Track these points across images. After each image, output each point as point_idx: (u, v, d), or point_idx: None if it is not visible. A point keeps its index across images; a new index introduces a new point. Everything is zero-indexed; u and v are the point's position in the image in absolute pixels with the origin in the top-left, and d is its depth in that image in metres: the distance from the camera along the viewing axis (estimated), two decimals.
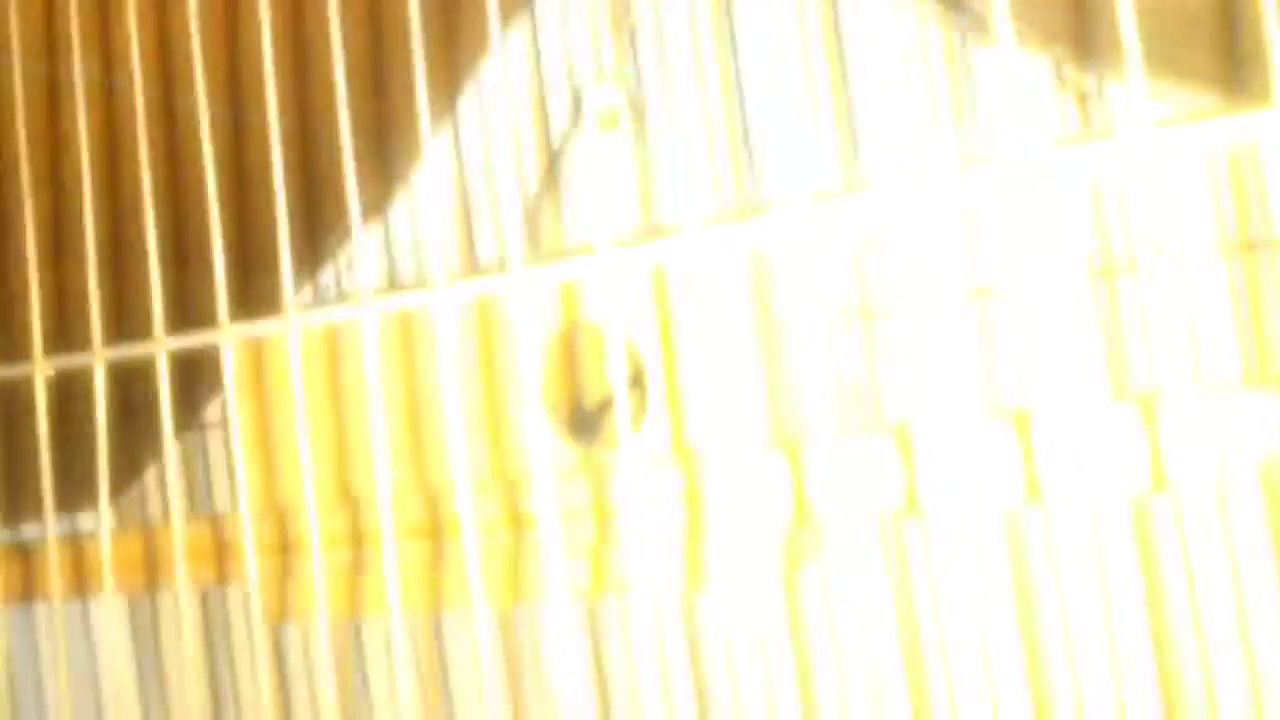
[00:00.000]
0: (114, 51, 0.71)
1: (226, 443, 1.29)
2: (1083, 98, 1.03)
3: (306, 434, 0.51)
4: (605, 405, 0.99)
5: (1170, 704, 1.01)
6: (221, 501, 1.32)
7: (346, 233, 1.22)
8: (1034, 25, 0.97)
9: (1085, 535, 1.02)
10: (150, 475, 1.35)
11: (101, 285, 0.54)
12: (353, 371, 0.90)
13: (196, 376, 1.22)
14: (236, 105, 0.78)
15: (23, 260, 0.55)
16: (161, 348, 0.51)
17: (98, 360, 0.52)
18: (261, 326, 0.50)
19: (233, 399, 0.51)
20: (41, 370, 0.53)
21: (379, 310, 0.48)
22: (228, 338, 0.50)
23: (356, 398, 0.89)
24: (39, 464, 0.54)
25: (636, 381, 1.00)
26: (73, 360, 0.53)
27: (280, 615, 0.90)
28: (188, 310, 0.63)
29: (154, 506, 1.36)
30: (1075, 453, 0.65)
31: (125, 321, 0.58)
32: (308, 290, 1.28)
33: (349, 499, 0.83)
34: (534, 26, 1.21)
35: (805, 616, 1.12)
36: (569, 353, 0.98)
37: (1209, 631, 0.98)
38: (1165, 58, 0.88)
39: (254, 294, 1.11)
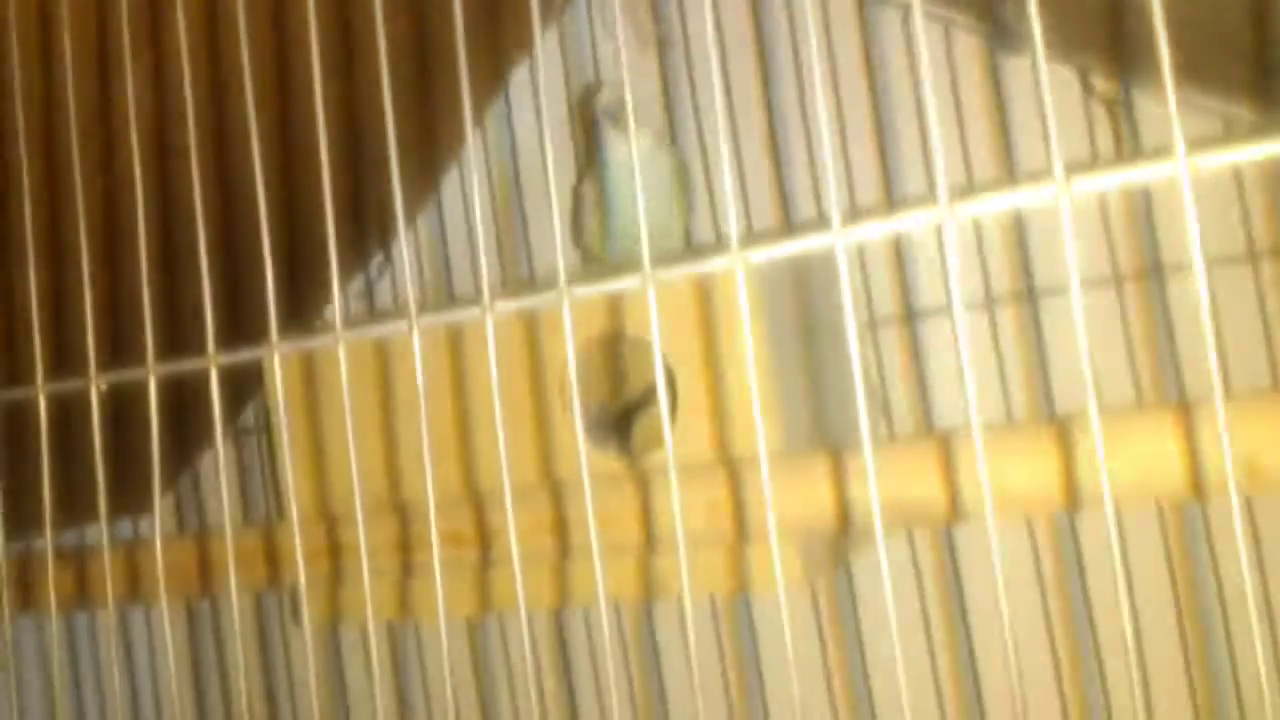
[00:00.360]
0: (162, 68, 0.71)
1: (263, 449, 1.31)
2: (1111, 105, 1.02)
3: (354, 443, 0.51)
4: (631, 410, 0.99)
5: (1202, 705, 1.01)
6: (259, 507, 1.34)
7: (389, 233, 1.23)
8: (1062, 34, 0.97)
9: (1120, 541, 1.01)
10: (185, 481, 1.37)
11: (152, 298, 0.54)
12: (399, 380, 0.91)
13: (241, 385, 1.23)
14: (283, 116, 0.78)
15: (77, 276, 0.56)
16: (213, 363, 0.51)
17: (151, 374, 0.52)
18: (310, 341, 0.51)
19: (283, 412, 0.51)
20: (96, 384, 0.54)
21: (424, 325, 0.49)
22: (276, 353, 0.50)
23: (403, 406, 0.90)
24: (76, 475, 0.55)
25: (664, 389, 1.01)
26: (125, 375, 0.53)
27: (329, 617, 0.91)
28: (236, 315, 0.64)
29: (189, 512, 1.37)
30: (1116, 458, 0.64)
31: (175, 329, 0.59)
32: (355, 283, 1.29)
33: (395, 506, 0.83)
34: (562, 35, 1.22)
35: (839, 619, 1.12)
36: (601, 359, 0.98)
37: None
38: (1199, 69, 0.87)
39: (299, 295, 1.12)
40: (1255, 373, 0.99)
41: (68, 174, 0.58)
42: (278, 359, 0.51)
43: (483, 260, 0.49)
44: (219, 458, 0.53)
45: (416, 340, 0.49)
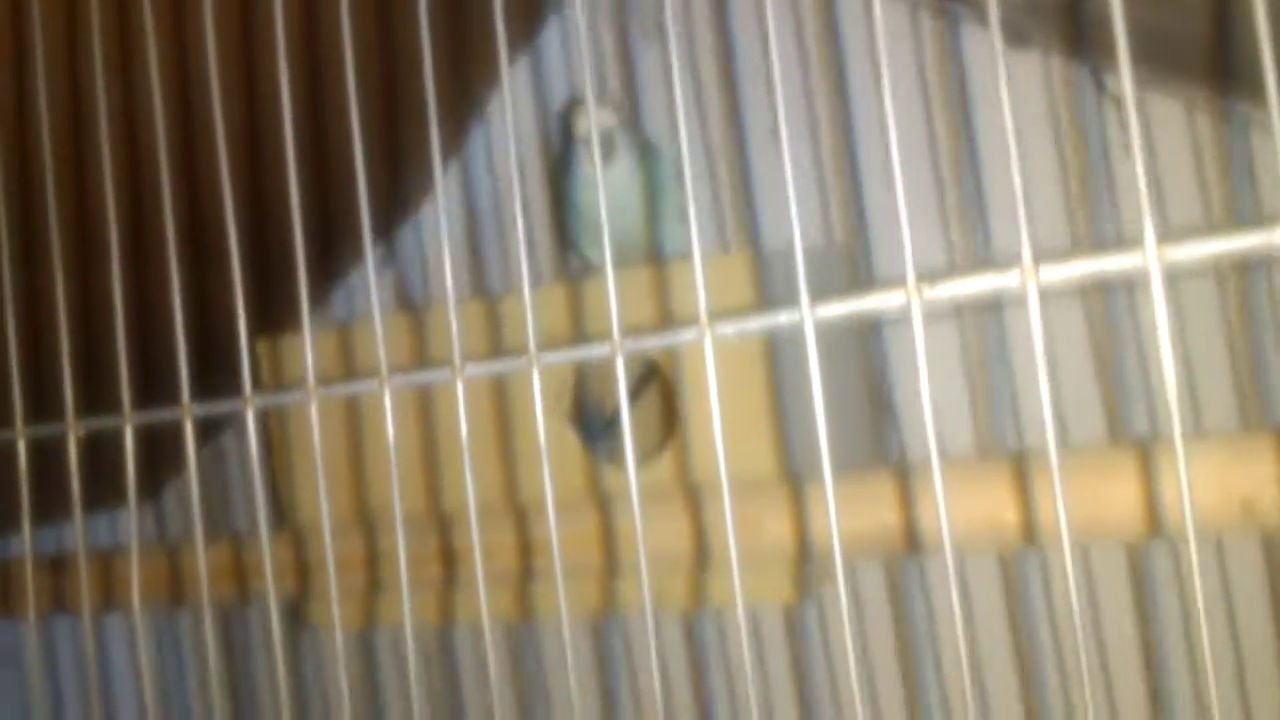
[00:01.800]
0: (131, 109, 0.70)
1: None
2: (1119, 104, 1.00)
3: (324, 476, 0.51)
4: (614, 419, 0.99)
5: None
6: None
7: (359, 255, 1.22)
8: (1056, 30, 0.95)
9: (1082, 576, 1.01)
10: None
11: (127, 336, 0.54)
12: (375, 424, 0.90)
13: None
14: (252, 143, 0.77)
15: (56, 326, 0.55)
16: (187, 415, 0.51)
17: (127, 423, 0.52)
18: (283, 398, 0.51)
19: (257, 460, 0.51)
20: (74, 431, 0.53)
21: (395, 385, 0.48)
22: (250, 408, 0.50)
23: (379, 441, 0.89)
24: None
25: (648, 386, 1.00)
26: (104, 422, 0.53)
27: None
28: (210, 333, 0.63)
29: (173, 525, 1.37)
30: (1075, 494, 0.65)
31: (149, 362, 0.58)
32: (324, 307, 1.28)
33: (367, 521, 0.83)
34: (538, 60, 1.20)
35: (807, 644, 1.12)
36: (589, 368, 0.98)
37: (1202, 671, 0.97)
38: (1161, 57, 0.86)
39: (273, 314, 1.10)
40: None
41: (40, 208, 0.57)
42: (251, 413, 0.50)
43: (454, 323, 0.48)
44: (195, 506, 0.53)
45: (388, 398, 0.49)
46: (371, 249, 0.52)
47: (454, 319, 0.49)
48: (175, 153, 0.56)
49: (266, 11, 0.48)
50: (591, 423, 0.99)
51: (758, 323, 0.45)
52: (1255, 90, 0.89)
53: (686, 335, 0.45)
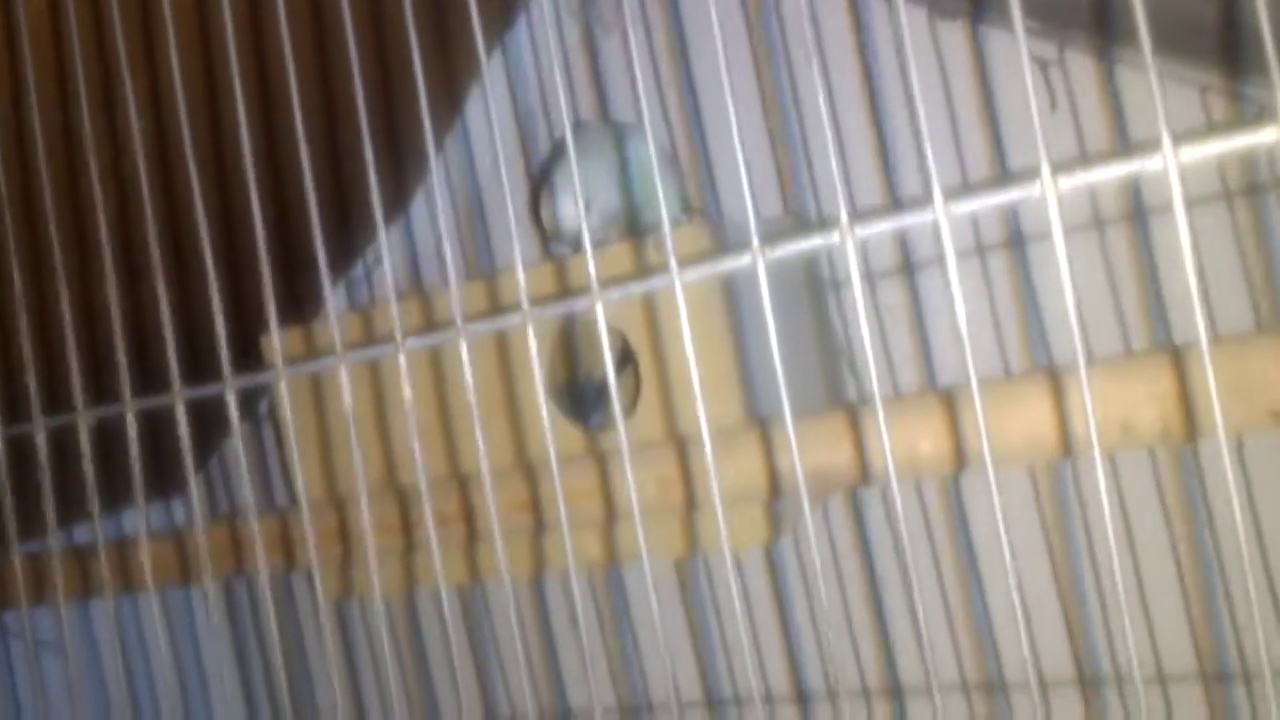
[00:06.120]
0: (160, 94, 0.72)
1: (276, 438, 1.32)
2: (1044, 66, 1.02)
3: (356, 440, 0.53)
4: (603, 387, 1.01)
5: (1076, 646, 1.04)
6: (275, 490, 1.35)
7: (371, 235, 1.25)
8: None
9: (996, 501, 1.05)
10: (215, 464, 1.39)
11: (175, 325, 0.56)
12: (389, 384, 0.92)
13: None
14: (270, 130, 0.79)
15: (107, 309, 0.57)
16: (229, 387, 0.53)
17: (177, 400, 0.54)
18: (314, 365, 0.53)
19: (292, 429, 0.53)
20: (130, 409, 0.56)
21: (410, 347, 0.51)
22: (282, 378, 0.52)
23: (395, 405, 0.92)
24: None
25: (626, 367, 1.02)
26: (156, 401, 0.55)
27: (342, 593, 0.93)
28: (243, 316, 0.64)
29: (219, 494, 1.39)
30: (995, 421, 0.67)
31: (193, 344, 0.60)
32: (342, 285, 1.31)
33: (395, 491, 0.85)
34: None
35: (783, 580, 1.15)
36: (568, 340, 1.00)
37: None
38: (1174, 42, 0.87)
39: (294, 282, 1.13)
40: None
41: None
42: (285, 383, 0.53)
43: (454, 286, 0.51)
44: (243, 471, 0.55)
45: (403, 360, 0.51)
46: (377, 231, 0.55)
47: (453, 277, 0.51)
48: (204, 157, 0.58)
49: (272, 13, 0.51)
50: (579, 398, 1.02)
51: (719, 266, 0.47)
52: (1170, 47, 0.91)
53: (659, 282, 0.48)
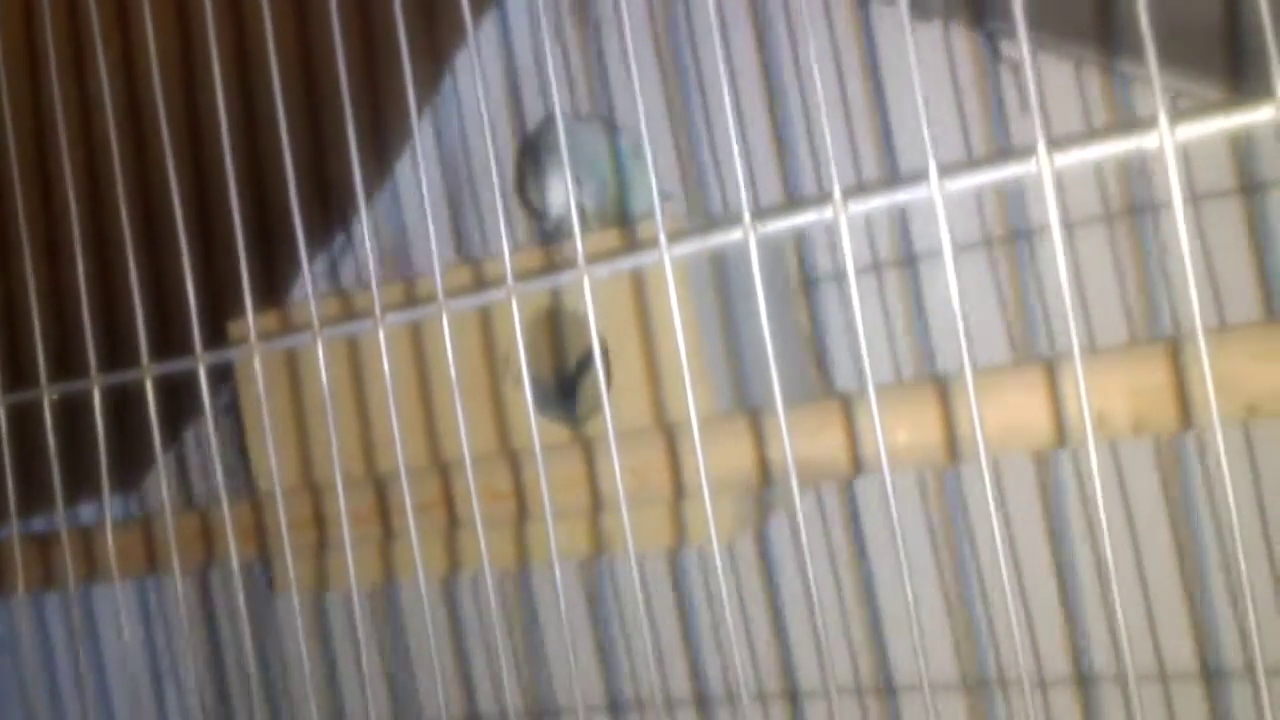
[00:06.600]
0: (132, 70, 0.69)
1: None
2: (1015, 69, 1.01)
3: (333, 423, 0.51)
4: (575, 378, 0.99)
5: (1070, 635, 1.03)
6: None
7: (350, 213, 1.22)
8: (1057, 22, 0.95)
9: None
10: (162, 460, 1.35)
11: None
12: (368, 364, 0.90)
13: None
14: (249, 110, 0.77)
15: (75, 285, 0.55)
16: (200, 363, 0.51)
17: (146, 375, 0.52)
18: (289, 341, 0.51)
19: (264, 411, 0.51)
20: (98, 384, 0.53)
21: (390, 323, 0.49)
22: (256, 353, 0.50)
23: (373, 388, 0.90)
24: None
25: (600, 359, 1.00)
26: (123, 376, 0.53)
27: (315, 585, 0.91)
28: (216, 298, 0.62)
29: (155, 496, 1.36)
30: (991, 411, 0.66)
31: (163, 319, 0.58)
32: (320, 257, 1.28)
33: (371, 479, 0.83)
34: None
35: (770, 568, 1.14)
36: (543, 332, 0.98)
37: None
38: (1177, 54, 0.86)
39: (269, 263, 1.10)
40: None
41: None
42: (258, 358, 0.50)
43: (436, 261, 0.49)
44: (214, 450, 0.53)
45: (383, 336, 0.49)
46: (358, 206, 0.53)
47: (435, 250, 0.49)
48: (180, 143, 0.56)
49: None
50: (558, 389, 1.00)
51: (709, 241, 0.46)
52: (1136, 50, 0.90)
53: (648, 258, 0.46)
